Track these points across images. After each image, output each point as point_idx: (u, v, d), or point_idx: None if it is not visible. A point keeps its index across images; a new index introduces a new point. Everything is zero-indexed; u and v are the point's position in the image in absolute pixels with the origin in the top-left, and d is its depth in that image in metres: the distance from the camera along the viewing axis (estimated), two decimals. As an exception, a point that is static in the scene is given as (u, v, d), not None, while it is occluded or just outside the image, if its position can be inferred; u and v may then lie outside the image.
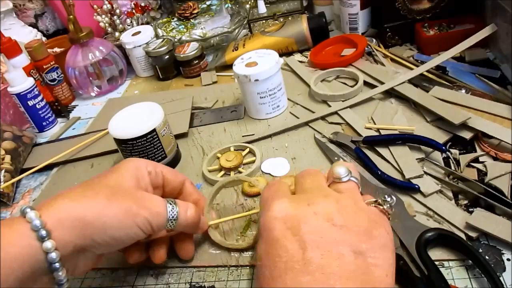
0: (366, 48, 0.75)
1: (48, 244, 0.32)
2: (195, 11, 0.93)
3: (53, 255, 0.33)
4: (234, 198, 0.52)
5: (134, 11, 0.97)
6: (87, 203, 0.35)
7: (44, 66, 0.83)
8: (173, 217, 0.39)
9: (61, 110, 0.87)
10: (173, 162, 0.61)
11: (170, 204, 0.40)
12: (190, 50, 0.84)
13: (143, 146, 0.56)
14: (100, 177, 0.39)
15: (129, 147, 0.56)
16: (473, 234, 0.41)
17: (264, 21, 0.93)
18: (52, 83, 0.85)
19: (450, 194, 0.46)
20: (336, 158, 0.54)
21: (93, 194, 0.36)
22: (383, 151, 0.54)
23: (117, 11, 0.95)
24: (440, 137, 0.54)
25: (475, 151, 0.51)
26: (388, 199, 0.45)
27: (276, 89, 0.65)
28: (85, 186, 0.38)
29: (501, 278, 0.37)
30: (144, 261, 0.44)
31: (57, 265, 0.33)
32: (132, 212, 0.36)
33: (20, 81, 0.74)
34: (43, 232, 0.32)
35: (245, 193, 0.53)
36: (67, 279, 0.35)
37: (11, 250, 0.32)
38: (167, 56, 0.86)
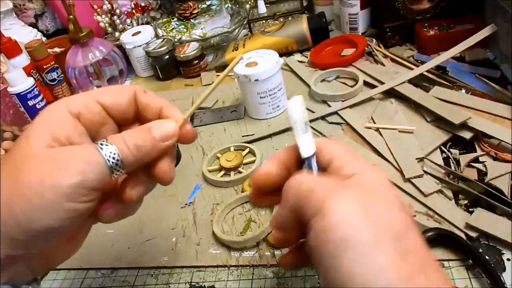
0: (366, 48, 0.75)
1: None
2: (195, 11, 0.93)
3: None
4: (234, 197, 0.52)
5: (134, 11, 0.97)
6: None
7: (44, 66, 0.83)
8: (115, 159, 0.28)
9: (61, 110, 0.87)
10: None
11: (101, 145, 0.28)
12: (190, 50, 0.84)
13: (143, 146, 0.56)
14: (7, 156, 0.28)
15: (129, 147, 0.56)
16: (473, 234, 0.41)
17: (264, 21, 0.93)
18: (52, 83, 0.85)
19: (450, 194, 0.46)
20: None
21: None
22: (383, 150, 0.54)
23: (117, 11, 0.95)
24: (440, 137, 0.54)
25: (475, 151, 0.51)
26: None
27: (276, 89, 0.65)
28: None
29: (501, 278, 0.37)
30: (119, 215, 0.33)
31: None
32: (47, 187, 0.25)
33: (20, 81, 0.74)
34: None
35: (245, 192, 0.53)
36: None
37: None
38: (167, 56, 0.86)
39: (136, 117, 0.33)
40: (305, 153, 0.29)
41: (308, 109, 0.66)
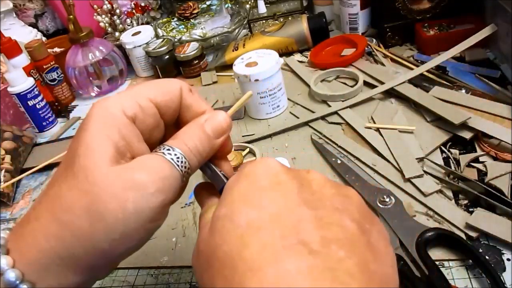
0: (366, 48, 0.75)
1: None
2: (195, 11, 0.93)
3: None
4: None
5: (134, 11, 0.97)
6: (66, 233, 0.24)
7: (44, 66, 0.83)
8: (186, 168, 0.27)
9: (61, 110, 0.87)
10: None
11: (170, 154, 0.26)
12: (190, 50, 0.84)
13: (143, 146, 0.56)
14: (66, 172, 0.25)
15: (129, 147, 0.56)
16: (473, 234, 0.41)
17: (264, 21, 0.93)
18: (52, 83, 0.85)
19: (450, 194, 0.46)
20: (333, 159, 0.54)
21: (69, 218, 0.24)
22: (383, 150, 0.54)
23: (117, 11, 0.95)
24: (440, 137, 0.54)
25: (475, 151, 0.51)
26: (387, 199, 0.45)
27: (276, 89, 0.65)
28: (53, 203, 0.25)
29: (501, 278, 0.37)
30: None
31: None
32: (130, 214, 0.24)
33: (20, 81, 0.74)
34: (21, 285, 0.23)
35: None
36: None
37: None
38: (167, 56, 0.86)
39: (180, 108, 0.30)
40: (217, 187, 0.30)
41: (308, 109, 0.66)
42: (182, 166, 0.26)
